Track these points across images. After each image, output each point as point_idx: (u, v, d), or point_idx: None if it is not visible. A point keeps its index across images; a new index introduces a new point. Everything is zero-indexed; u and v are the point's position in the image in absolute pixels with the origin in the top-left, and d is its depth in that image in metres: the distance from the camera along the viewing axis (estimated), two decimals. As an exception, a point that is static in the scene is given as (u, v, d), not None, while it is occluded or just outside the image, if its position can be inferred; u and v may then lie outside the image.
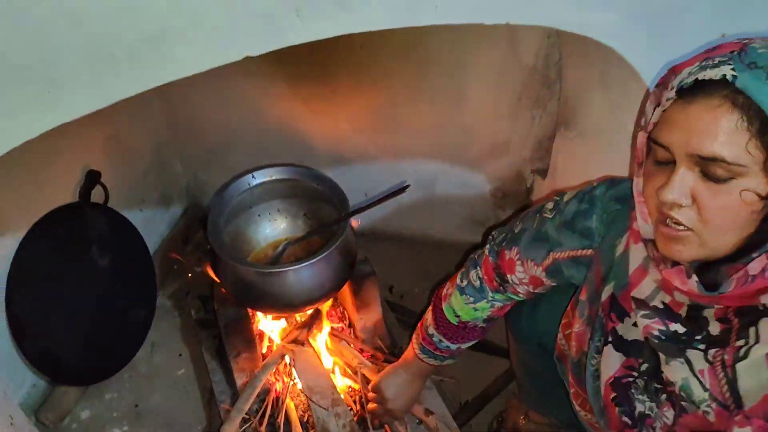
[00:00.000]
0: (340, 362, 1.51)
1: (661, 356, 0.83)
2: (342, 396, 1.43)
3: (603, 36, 0.99)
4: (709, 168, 0.68)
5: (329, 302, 1.59)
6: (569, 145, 1.53)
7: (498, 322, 1.25)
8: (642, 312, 0.84)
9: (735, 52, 0.68)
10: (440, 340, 1.23)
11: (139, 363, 1.68)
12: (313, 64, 1.61)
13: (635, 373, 0.88)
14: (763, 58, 0.66)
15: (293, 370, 1.47)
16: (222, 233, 1.36)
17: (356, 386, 1.47)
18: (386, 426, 1.39)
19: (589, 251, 0.97)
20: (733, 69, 0.66)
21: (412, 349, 1.30)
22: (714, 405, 0.77)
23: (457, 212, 1.93)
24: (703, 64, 0.69)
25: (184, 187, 2.01)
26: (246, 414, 1.39)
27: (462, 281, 1.19)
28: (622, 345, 0.89)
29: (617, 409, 0.90)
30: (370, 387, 1.38)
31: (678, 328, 0.80)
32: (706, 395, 0.77)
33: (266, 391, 1.44)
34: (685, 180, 0.70)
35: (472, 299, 1.17)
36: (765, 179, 0.66)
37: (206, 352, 1.58)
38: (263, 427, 1.38)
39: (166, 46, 0.75)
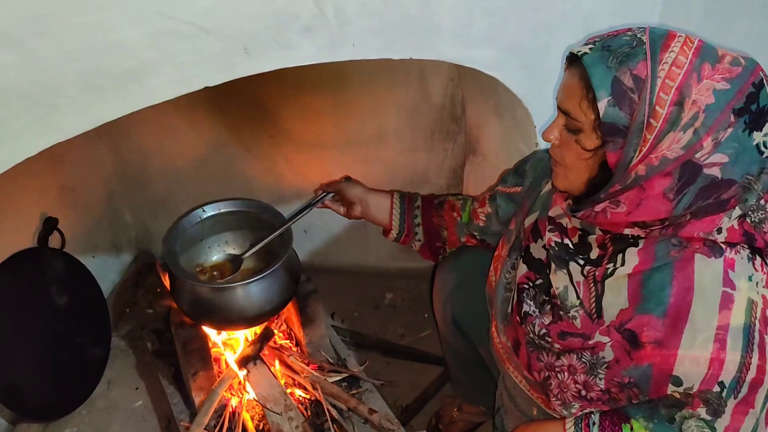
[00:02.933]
0: (290, 374, 1.66)
1: (552, 266, 1.05)
2: (294, 403, 1.57)
3: (486, 68, 1.25)
4: (567, 120, 0.93)
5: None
6: (477, 169, 1.79)
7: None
8: (549, 227, 1.08)
9: (611, 37, 0.88)
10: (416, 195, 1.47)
11: (97, 399, 1.76)
12: (251, 112, 1.83)
13: (531, 283, 1.10)
14: (618, 43, 0.86)
15: (247, 384, 1.61)
16: (177, 259, 1.51)
17: (306, 395, 1.61)
18: (334, 426, 1.54)
19: (519, 188, 1.27)
20: (590, 49, 0.87)
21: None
22: (581, 312, 1.00)
23: (388, 242, 2.13)
24: (587, 41, 0.90)
25: (133, 236, 2.14)
26: (205, 429, 1.50)
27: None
28: (529, 260, 1.12)
29: (518, 308, 1.12)
30: None
31: (569, 243, 1.03)
32: (577, 302, 1.00)
33: (223, 407, 1.56)
34: (556, 123, 0.96)
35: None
36: (593, 136, 0.89)
37: (163, 378, 1.69)
38: (222, 439, 1.51)
39: (144, 77, 0.95)
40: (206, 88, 1.01)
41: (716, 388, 0.88)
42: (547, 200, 1.14)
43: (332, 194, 1.50)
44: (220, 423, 1.52)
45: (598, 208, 0.94)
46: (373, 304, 2.09)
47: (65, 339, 1.68)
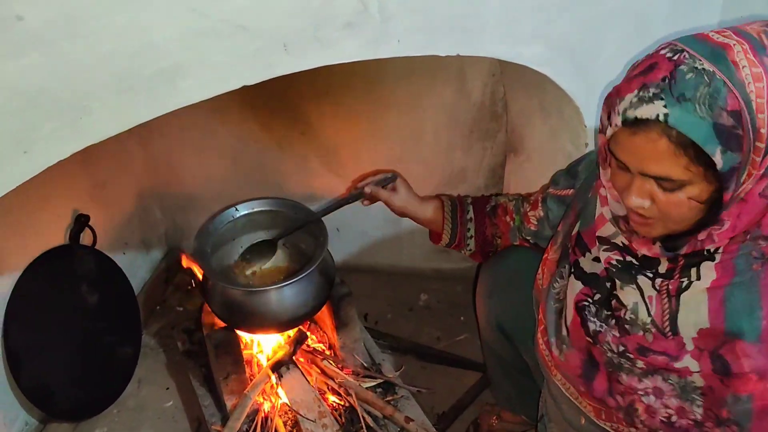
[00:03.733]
0: (324, 379, 1.62)
1: (617, 282, 0.98)
2: (328, 409, 1.53)
3: (535, 64, 1.18)
4: (659, 182, 0.82)
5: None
6: (519, 169, 1.72)
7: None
8: (604, 247, 1.01)
9: (666, 81, 0.76)
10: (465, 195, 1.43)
11: (127, 398, 1.75)
12: (284, 108, 1.78)
13: (590, 299, 1.04)
14: (690, 86, 0.75)
15: (280, 390, 1.57)
16: (210, 260, 1.47)
17: (340, 401, 1.57)
18: (368, 435, 1.49)
19: (571, 191, 1.20)
20: (665, 105, 0.75)
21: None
22: (653, 329, 0.93)
23: (422, 242, 2.06)
24: (641, 94, 0.77)
25: (163, 233, 2.12)
26: (237, 434, 1.47)
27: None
28: (581, 275, 1.05)
29: (583, 329, 1.05)
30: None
31: (633, 260, 0.96)
32: (648, 320, 0.94)
33: (255, 412, 1.52)
34: (642, 189, 0.84)
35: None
36: (705, 186, 0.80)
37: (194, 379, 1.66)
38: (254, 445, 1.47)
39: (177, 78, 0.90)
40: (245, 86, 0.96)
41: None
42: (590, 211, 1.07)
43: (363, 197, 1.47)
44: (252, 428, 1.49)
45: (702, 236, 0.86)
46: (407, 306, 2.04)
47: (96, 337, 1.67)
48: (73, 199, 1.67)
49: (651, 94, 0.77)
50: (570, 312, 1.07)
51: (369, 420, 1.49)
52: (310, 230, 1.55)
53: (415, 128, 1.81)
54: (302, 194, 1.91)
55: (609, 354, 1.01)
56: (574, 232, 1.09)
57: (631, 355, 0.97)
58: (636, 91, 0.78)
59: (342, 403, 1.55)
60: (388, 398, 1.55)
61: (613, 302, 0.99)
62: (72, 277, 1.63)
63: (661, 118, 0.75)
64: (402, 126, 1.80)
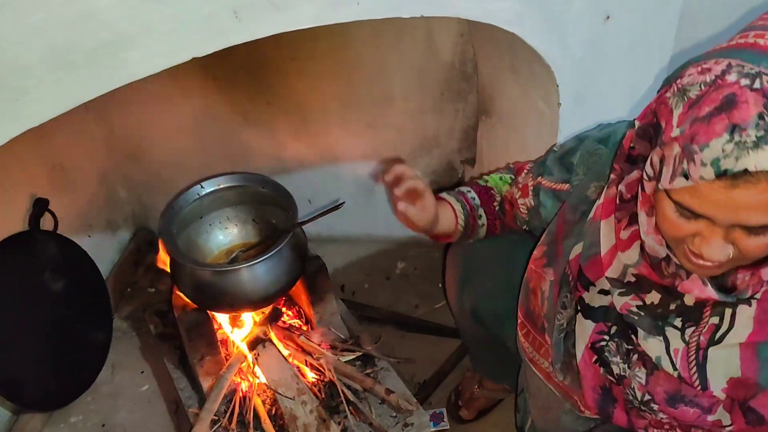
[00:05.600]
0: (302, 355, 1.59)
1: (640, 331, 0.88)
2: (307, 385, 1.50)
3: (504, 23, 1.13)
4: (751, 228, 0.70)
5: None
6: (491, 132, 1.68)
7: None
8: (618, 290, 0.89)
9: (764, 118, 0.63)
10: (468, 190, 1.21)
11: (102, 385, 1.70)
12: (247, 79, 1.70)
13: (606, 337, 0.93)
14: None
15: (257, 369, 1.54)
16: (176, 241, 1.42)
17: (319, 377, 1.54)
18: (350, 408, 1.47)
19: (567, 186, 1.06)
20: (761, 152, 0.63)
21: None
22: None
23: (397, 210, 2.04)
24: (738, 140, 0.64)
25: (130, 213, 2.05)
26: (215, 415, 1.44)
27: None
28: (589, 312, 0.94)
29: (602, 369, 0.94)
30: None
31: (654, 298, 0.86)
32: (675, 374, 0.85)
33: (233, 392, 1.49)
34: (728, 239, 0.72)
35: (497, 173, 1.24)
36: None
37: (169, 362, 1.62)
38: (233, 425, 1.44)
39: (122, 51, 0.83)
40: (195, 57, 0.90)
41: None
42: (591, 236, 0.94)
43: (344, 203, 1.40)
44: (230, 409, 1.46)
45: (766, 275, 0.77)
46: (384, 275, 2.01)
47: (64, 324, 1.61)
48: (30, 183, 1.59)
49: (754, 139, 0.63)
50: (581, 352, 0.96)
51: (349, 394, 1.47)
52: (279, 204, 1.50)
53: (385, 92, 1.74)
54: (271, 168, 1.85)
55: (630, 398, 0.92)
56: (573, 256, 0.97)
57: (657, 406, 0.89)
58: (727, 136, 0.64)
59: (321, 378, 1.53)
60: (367, 371, 1.53)
61: (639, 347, 0.90)
62: (35, 264, 1.56)
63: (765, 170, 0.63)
64: (371, 91, 1.74)
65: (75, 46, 0.80)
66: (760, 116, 0.63)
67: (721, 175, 0.65)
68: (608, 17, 1.24)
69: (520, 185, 1.17)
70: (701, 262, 0.75)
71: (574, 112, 1.32)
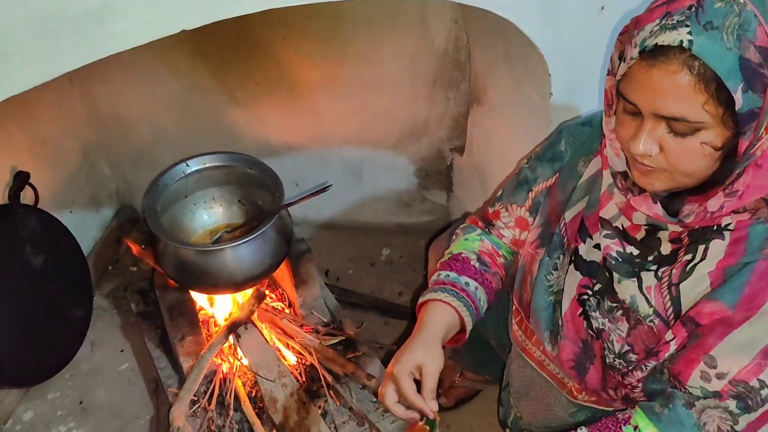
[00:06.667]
0: (283, 338, 1.58)
1: (615, 275, 0.92)
2: (288, 368, 1.49)
3: (499, 9, 1.11)
4: (672, 124, 0.75)
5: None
6: (482, 120, 1.67)
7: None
8: (605, 232, 0.93)
9: (693, 9, 0.70)
10: (446, 274, 1.09)
11: (81, 362, 1.69)
12: (237, 57, 1.68)
13: (589, 292, 0.97)
14: (719, 15, 0.70)
15: (238, 350, 1.53)
16: (160, 220, 1.40)
17: (300, 360, 1.54)
18: (330, 392, 1.46)
19: (557, 175, 1.05)
20: (689, 32, 0.69)
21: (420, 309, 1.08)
22: (657, 320, 0.88)
23: (384, 196, 2.03)
24: (663, 22, 0.71)
25: (114, 190, 2.02)
26: (194, 396, 1.43)
27: (451, 237, 1.19)
28: (580, 264, 0.98)
29: (585, 322, 0.98)
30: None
31: (633, 250, 0.90)
32: (650, 311, 0.89)
33: (213, 373, 1.48)
34: (651, 134, 0.77)
35: (462, 235, 1.16)
36: (721, 131, 0.74)
37: (149, 341, 1.61)
38: (212, 406, 1.43)
39: (108, 20, 0.81)
40: (184, 30, 0.88)
41: (755, 383, 0.80)
42: (590, 189, 0.98)
43: (331, 186, 1.40)
44: (210, 389, 1.45)
45: (713, 206, 0.80)
46: (369, 261, 2.00)
47: (44, 300, 1.59)
48: (11, 155, 1.56)
49: (675, 21, 0.71)
50: (567, 303, 1.00)
51: (330, 378, 1.46)
52: (266, 185, 1.49)
53: (376, 78, 1.73)
54: (258, 149, 1.83)
55: (606, 352, 0.96)
56: (572, 217, 0.99)
57: (635, 356, 0.92)
58: (658, 20, 0.72)
59: (302, 361, 1.52)
60: (349, 355, 1.52)
61: (617, 294, 0.94)
62: (14, 238, 1.53)
63: (685, 44, 0.70)
64: (362, 76, 1.72)
65: (59, 14, 0.78)
66: (690, 7, 0.71)
67: (643, 51, 0.73)
68: (603, 7, 1.23)
69: (513, 223, 1.12)
70: (640, 167, 0.81)
71: (566, 103, 1.31)
